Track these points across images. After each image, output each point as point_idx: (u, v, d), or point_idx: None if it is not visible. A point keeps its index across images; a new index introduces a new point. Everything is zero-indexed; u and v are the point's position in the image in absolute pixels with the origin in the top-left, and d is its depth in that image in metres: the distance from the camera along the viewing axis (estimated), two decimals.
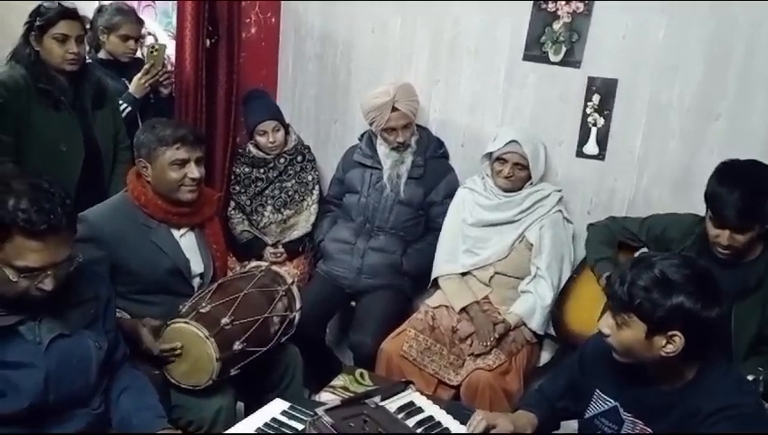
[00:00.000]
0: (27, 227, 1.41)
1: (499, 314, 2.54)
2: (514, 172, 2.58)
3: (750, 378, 1.84)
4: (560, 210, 2.64)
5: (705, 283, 1.46)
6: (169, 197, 2.08)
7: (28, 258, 1.44)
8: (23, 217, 1.40)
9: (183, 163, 2.05)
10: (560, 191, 2.67)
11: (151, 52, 2.77)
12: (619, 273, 1.52)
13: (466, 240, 2.68)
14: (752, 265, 2.04)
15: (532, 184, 2.63)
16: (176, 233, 2.14)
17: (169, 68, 3.03)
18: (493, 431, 1.65)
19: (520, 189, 2.63)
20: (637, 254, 2.40)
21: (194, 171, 2.06)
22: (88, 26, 2.59)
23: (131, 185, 2.10)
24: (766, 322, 2.04)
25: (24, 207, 1.41)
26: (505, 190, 2.62)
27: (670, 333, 1.45)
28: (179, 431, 1.70)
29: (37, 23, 2.35)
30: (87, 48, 2.60)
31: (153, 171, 2.06)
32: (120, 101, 2.72)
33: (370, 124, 2.83)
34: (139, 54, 2.94)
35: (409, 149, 2.82)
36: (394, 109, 2.72)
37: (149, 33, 3.29)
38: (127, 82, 2.81)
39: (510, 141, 2.56)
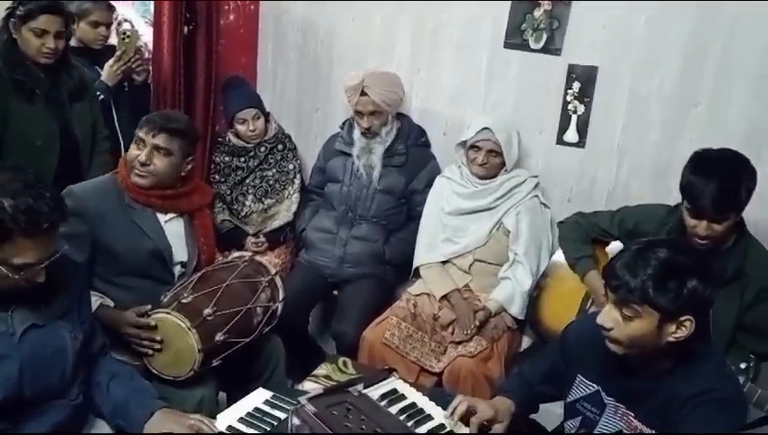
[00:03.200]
0: (29, 228, 1.43)
1: (480, 301, 2.56)
2: (489, 159, 2.60)
3: (742, 366, 1.87)
4: (536, 195, 2.65)
5: (706, 263, 1.48)
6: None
7: (27, 256, 1.46)
8: (24, 218, 1.42)
9: (141, 142, 2.06)
10: (536, 177, 2.69)
11: (123, 38, 2.72)
12: (622, 264, 1.48)
13: (445, 229, 2.69)
14: (727, 254, 2.05)
15: (506, 171, 2.65)
16: (161, 217, 2.14)
17: (146, 55, 2.99)
18: (474, 416, 1.66)
19: (495, 176, 2.64)
20: (611, 245, 2.42)
21: (142, 155, 2.04)
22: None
23: (120, 168, 2.13)
24: (745, 311, 2.07)
25: (24, 208, 1.42)
26: (481, 178, 2.64)
27: (683, 318, 1.45)
28: (179, 411, 1.68)
29: (18, 12, 2.30)
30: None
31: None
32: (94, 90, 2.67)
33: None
34: (112, 41, 2.89)
35: (378, 139, 2.81)
36: (363, 93, 2.73)
37: (126, 20, 3.23)
38: (99, 69, 2.75)
39: (482, 129, 2.58)
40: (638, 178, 2.67)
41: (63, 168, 2.43)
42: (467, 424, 1.66)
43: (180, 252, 2.17)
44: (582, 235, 2.44)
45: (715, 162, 1.99)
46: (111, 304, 2.02)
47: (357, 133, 2.83)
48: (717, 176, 1.93)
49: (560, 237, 2.52)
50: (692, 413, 1.46)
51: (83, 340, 1.66)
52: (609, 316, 1.51)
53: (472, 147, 2.62)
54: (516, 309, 2.52)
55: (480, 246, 2.62)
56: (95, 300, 1.98)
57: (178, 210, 2.18)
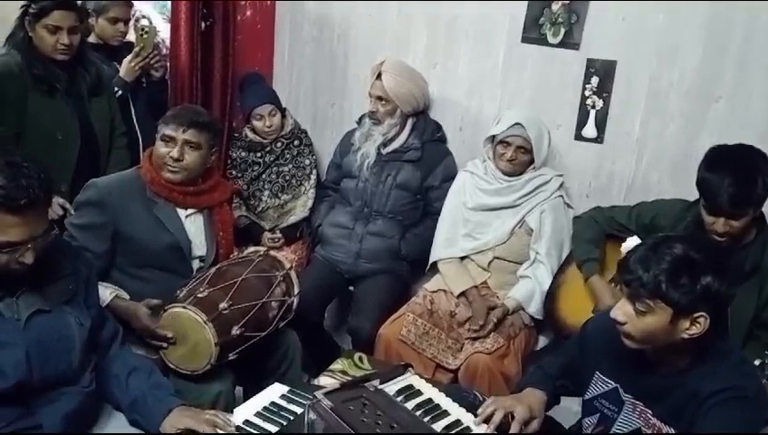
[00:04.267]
0: (7, 202, 1.43)
1: (497, 298, 2.54)
2: (517, 156, 2.56)
3: (756, 363, 1.84)
4: (560, 195, 2.61)
5: (724, 260, 1.46)
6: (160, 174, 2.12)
7: (9, 233, 1.45)
8: (2, 193, 1.42)
9: (170, 140, 2.08)
10: (561, 176, 2.64)
11: (141, 34, 2.74)
12: (636, 259, 1.46)
13: (466, 224, 2.66)
14: (746, 248, 2.03)
15: (534, 169, 2.61)
16: (182, 213, 2.17)
17: (164, 51, 3.00)
18: (514, 422, 1.61)
19: (521, 174, 2.60)
20: (627, 241, 2.39)
21: (174, 152, 2.07)
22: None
23: (143, 162, 2.17)
24: (763, 306, 2.04)
25: (2, 183, 1.42)
26: (506, 174, 2.60)
27: (696, 315, 1.43)
28: (196, 408, 1.68)
29: (31, 9, 2.32)
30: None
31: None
32: (112, 85, 2.69)
33: None
34: (130, 38, 2.90)
35: (379, 129, 2.80)
36: (379, 77, 2.74)
37: (144, 16, 3.25)
38: (117, 65, 2.77)
39: (514, 124, 2.53)
40: (658, 172, 2.64)
41: (83, 162, 2.45)
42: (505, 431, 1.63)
43: (199, 246, 2.20)
44: (596, 234, 2.42)
45: (730, 158, 1.97)
46: (127, 296, 2.04)
47: (367, 118, 2.85)
48: (733, 172, 1.90)
49: (573, 234, 2.50)
50: (711, 411, 1.44)
51: (92, 326, 1.66)
52: (622, 310, 1.49)
53: (501, 142, 2.57)
54: (534, 308, 2.50)
55: (501, 243, 2.59)
56: (110, 292, 2.00)
57: (200, 206, 2.21)
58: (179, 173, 2.11)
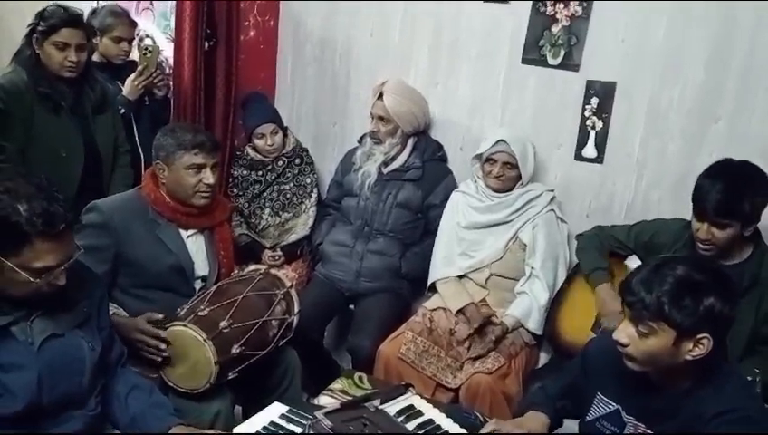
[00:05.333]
0: (47, 230, 1.43)
1: (496, 317, 2.53)
2: (504, 171, 2.60)
3: (748, 378, 1.84)
4: (552, 210, 2.63)
5: (726, 281, 1.46)
6: (184, 201, 2.12)
7: (46, 259, 1.46)
8: (41, 221, 1.42)
9: (200, 168, 2.09)
10: (552, 191, 2.67)
11: (144, 53, 2.76)
12: (639, 280, 1.46)
13: (461, 243, 2.68)
14: (743, 265, 2.05)
15: (522, 184, 2.64)
16: (183, 233, 2.17)
17: (167, 71, 3.03)
18: None
19: (511, 190, 2.64)
20: (626, 262, 2.40)
21: (209, 177, 2.10)
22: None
23: (145, 182, 2.16)
24: (761, 321, 2.05)
25: (39, 211, 1.42)
26: (496, 191, 2.63)
27: (699, 336, 1.43)
28: (195, 428, 1.68)
29: (39, 27, 2.34)
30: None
31: (169, 174, 2.10)
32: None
33: None
34: (133, 57, 2.93)
35: (381, 148, 2.82)
36: (380, 96, 2.77)
37: (147, 35, 3.29)
38: (120, 84, 2.80)
39: (498, 141, 2.58)
40: (657, 193, 2.65)
41: (86, 179, 2.46)
42: None
43: (201, 266, 2.20)
44: (600, 247, 2.43)
45: (728, 169, 2.01)
46: (126, 315, 2.03)
47: (368, 138, 2.86)
48: (725, 180, 1.95)
49: (577, 248, 2.51)
50: (715, 433, 1.43)
51: (101, 349, 1.66)
52: (624, 332, 1.49)
53: (488, 159, 2.62)
54: (534, 324, 2.50)
55: (496, 260, 2.61)
56: (111, 311, 1.99)
57: (201, 226, 2.21)
58: (210, 196, 2.13)
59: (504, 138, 2.58)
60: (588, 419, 1.67)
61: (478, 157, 2.67)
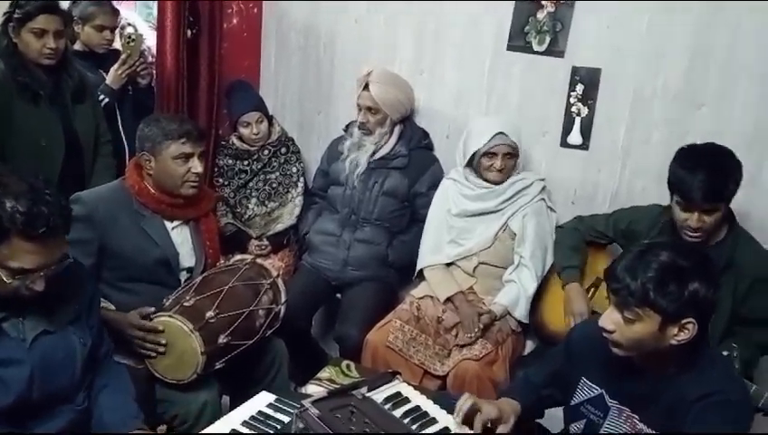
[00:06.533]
0: (26, 230, 1.41)
1: (484, 304, 2.54)
2: (505, 163, 2.58)
3: (724, 353, 1.87)
4: (543, 199, 2.64)
5: (709, 265, 1.47)
6: (171, 191, 2.10)
7: (24, 260, 1.44)
8: (22, 219, 1.40)
9: (187, 158, 2.07)
10: (543, 180, 2.67)
11: (128, 42, 2.73)
12: (623, 267, 1.47)
13: (451, 231, 2.67)
14: (719, 246, 2.07)
15: (517, 172, 2.64)
16: (168, 224, 2.15)
17: (150, 59, 2.99)
18: (478, 416, 1.63)
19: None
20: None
21: (197, 166, 2.09)
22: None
23: (129, 174, 2.13)
24: (739, 301, 2.09)
25: (23, 209, 1.40)
26: (497, 183, 2.61)
27: (684, 321, 1.44)
28: (152, 432, 1.70)
29: (16, 15, 2.31)
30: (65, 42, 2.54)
31: (157, 164, 2.08)
32: (98, 93, 2.68)
33: None
34: (116, 45, 2.89)
35: (371, 139, 2.80)
36: (366, 87, 2.75)
37: (129, 24, 3.24)
38: (104, 73, 2.77)
39: (496, 134, 2.55)
40: (642, 180, 2.66)
41: (67, 169, 2.44)
42: (471, 427, 1.65)
43: (187, 258, 2.19)
44: (576, 242, 2.45)
45: (701, 155, 2.04)
46: (112, 307, 2.02)
47: (355, 128, 2.84)
48: (705, 167, 1.97)
49: (555, 242, 2.53)
50: (698, 416, 1.45)
51: (91, 345, 1.66)
52: (610, 319, 1.50)
53: (486, 154, 2.58)
54: (521, 312, 2.51)
55: (485, 248, 2.61)
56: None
57: (187, 217, 2.20)
58: (198, 185, 2.11)
59: (501, 130, 2.55)
60: (572, 403, 1.69)
61: (471, 158, 2.60)
